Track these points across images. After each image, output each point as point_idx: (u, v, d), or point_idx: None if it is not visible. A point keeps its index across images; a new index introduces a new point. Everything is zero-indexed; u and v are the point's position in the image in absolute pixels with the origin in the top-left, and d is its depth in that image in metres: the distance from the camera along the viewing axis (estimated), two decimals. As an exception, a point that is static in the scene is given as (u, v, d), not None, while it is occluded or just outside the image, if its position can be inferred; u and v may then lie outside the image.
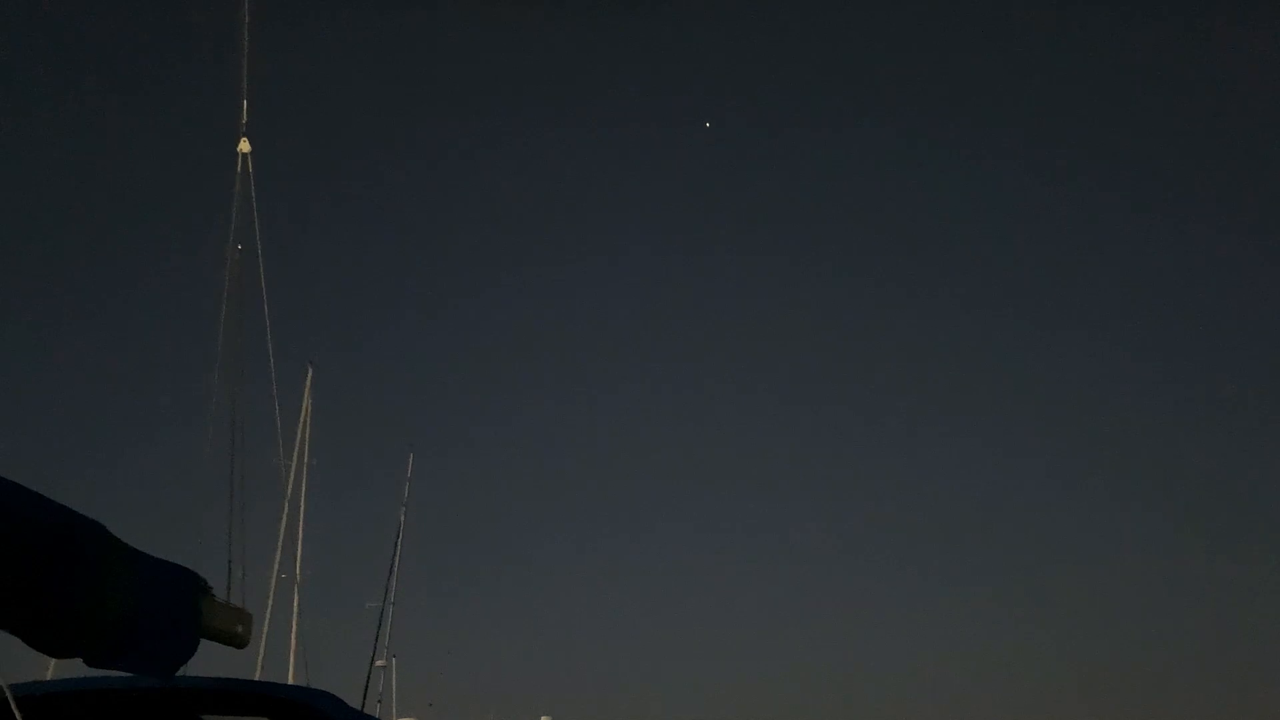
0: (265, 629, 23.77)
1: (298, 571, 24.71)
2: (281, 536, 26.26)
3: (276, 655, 24.87)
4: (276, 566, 26.26)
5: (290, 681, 20.20)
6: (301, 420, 27.81)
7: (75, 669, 3.12)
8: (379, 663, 30.09)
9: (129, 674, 3.06)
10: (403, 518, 33.26)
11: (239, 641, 3.52)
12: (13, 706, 2.71)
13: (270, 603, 25.88)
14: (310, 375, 28.85)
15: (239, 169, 12.48)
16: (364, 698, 28.11)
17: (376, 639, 30.41)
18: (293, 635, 25.21)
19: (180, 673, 3.31)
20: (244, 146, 12.48)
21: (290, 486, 25.47)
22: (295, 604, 24.92)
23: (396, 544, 32.91)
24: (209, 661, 3.77)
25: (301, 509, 26.23)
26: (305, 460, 27.67)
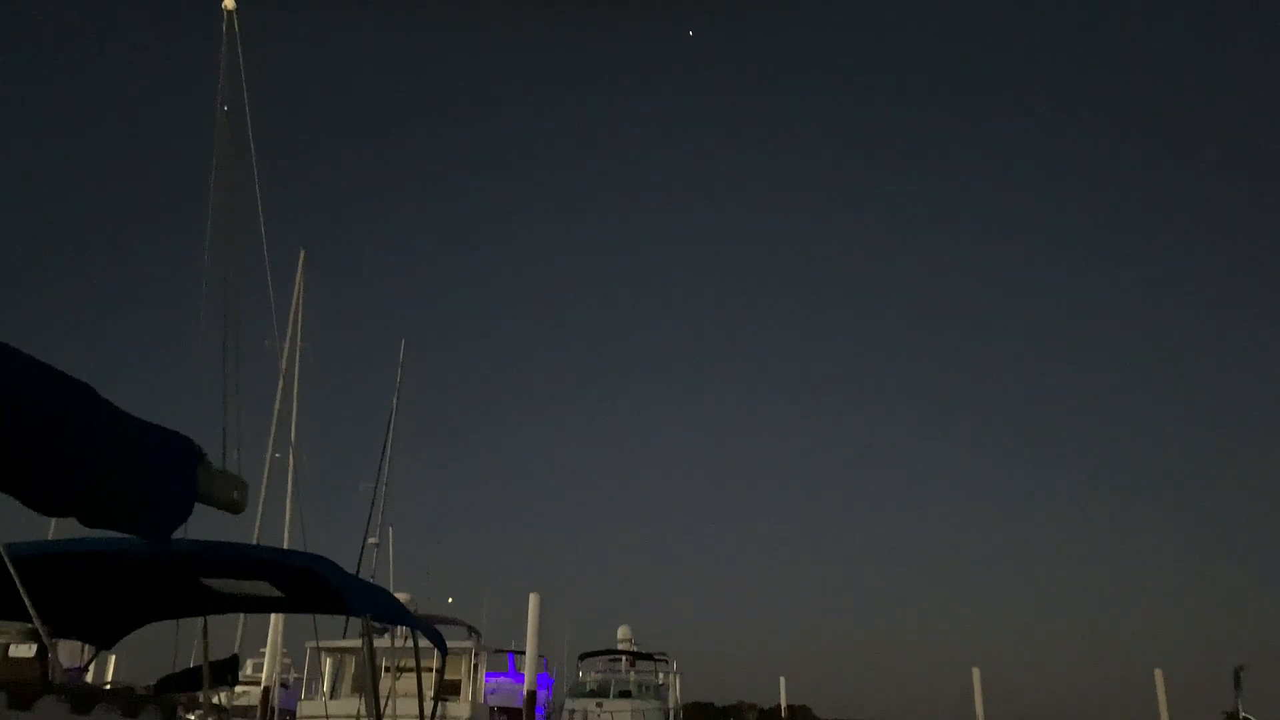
0: (260, 510, 24.14)
1: (292, 432, 24.89)
2: (275, 416, 26.42)
3: (271, 535, 25.30)
4: (271, 445, 26.49)
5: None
6: (294, 303, 27.72)
7: (73, 530, 3.12)
8: (371, 540, 30.80)
9: (127, 536, 3.05)
10: (395, 402, 33.56)
11: (236, 507, 3.51)
12: (7, 564, 2.70)
13: (265, 482, 26.23)
14: (303, 259, 28.65)
15: (225, 28, 12.08)
16: (357, 572, 28.80)
17: (369, 518, 31.04)
18: (288, 506, 25.59)
19: (178, 538, 3.31)
20: (228, 3, 12.04)
21: (284, 364, 25.51)
22: (290, 474, 25.21)
23: (389, 427, 33.30)
24: (204, 533, 3.78)
25: (295, 390, 26.36)
26: (299, 342, 27.71)
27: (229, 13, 12.05)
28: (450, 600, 31.02)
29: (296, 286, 27.79)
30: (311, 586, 4.30)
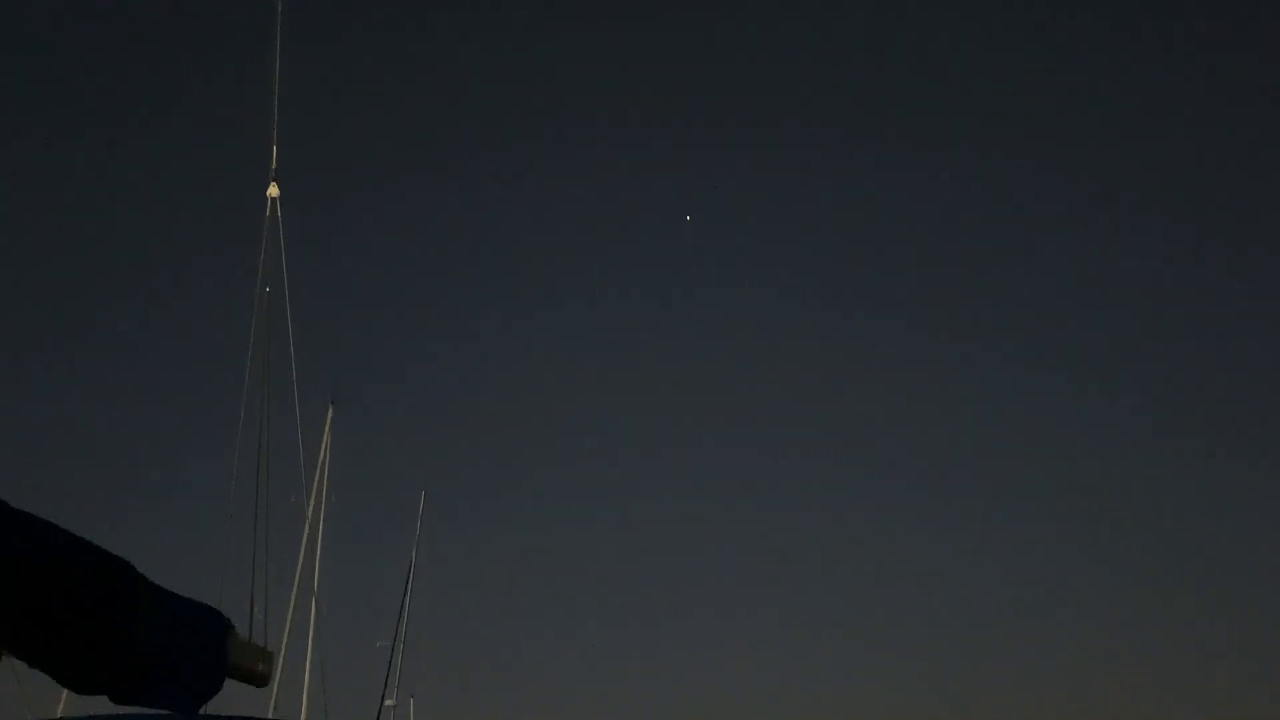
0: (279, 666, 23.68)
1: (313, 609, 24.60)
2: (298, 576, 26.17)
3: (290, 692, 24.71)
4: (292, 606, 26.14)
5: (303, 719, 20.06)
6: (321, 460, 27.86)
7: (101, 706, 3.16)
8: (389, 702, 29.89)
9: (155, 711, 3.10)
10: (414, 557, 33.12)
11: (260, 680, 3.56)
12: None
13: (285, 640, 25.76)
14: (330, 415, 28.97)
15: (268, 213, 12.74)
16: (375, 735, 27.84)
17: (387, 678, 30.19)
18: (306, 673, 25.04)
19: (202, 711, 3.35)
20: (273, 191, 12.74)
21: (307, 526, 25.48)
22: (310, 642, 24.80)
23: (408, 583, 32.73)
24: (221, 697, 3.80)
25: (318, 549, 26.20)
26: (324, 500, 27.67)
27: (273, 200, 12.76)
28: None
29: (324, 444, 27.98)
30: None
